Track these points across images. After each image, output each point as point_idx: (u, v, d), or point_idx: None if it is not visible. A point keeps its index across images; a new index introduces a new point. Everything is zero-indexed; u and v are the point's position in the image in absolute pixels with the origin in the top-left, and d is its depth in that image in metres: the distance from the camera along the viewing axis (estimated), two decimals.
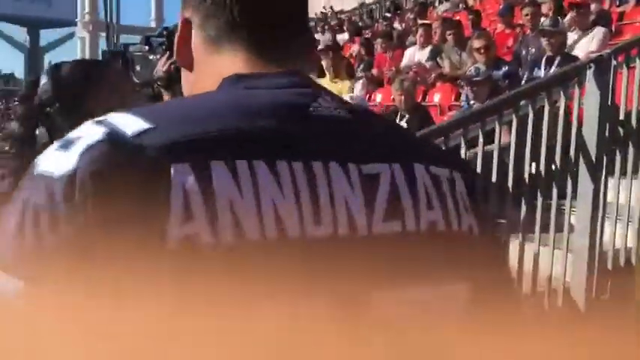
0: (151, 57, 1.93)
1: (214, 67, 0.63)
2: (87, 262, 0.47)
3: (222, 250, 0.49)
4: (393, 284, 0.56)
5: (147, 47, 1.94)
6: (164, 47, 1.89)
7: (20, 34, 58.35)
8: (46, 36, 58.67)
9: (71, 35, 51.92)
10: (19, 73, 61.81)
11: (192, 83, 0.67)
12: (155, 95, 2.07)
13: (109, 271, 0.47)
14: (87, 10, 42.00)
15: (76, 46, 45.67)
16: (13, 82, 58.07)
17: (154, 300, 0.47)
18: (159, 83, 1.92)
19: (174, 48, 0.68)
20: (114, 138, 0.51)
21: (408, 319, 0.57)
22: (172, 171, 0.49)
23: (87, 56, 41.69)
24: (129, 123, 0.53)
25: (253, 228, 0.50)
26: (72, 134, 0.53)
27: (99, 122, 0.54)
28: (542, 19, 5.02)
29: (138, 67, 1.96)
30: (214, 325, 0.48)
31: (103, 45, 43.49)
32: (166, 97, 1.94)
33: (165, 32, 1.98)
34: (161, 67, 1.90)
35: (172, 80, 1.88)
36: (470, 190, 0.64)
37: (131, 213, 0.48)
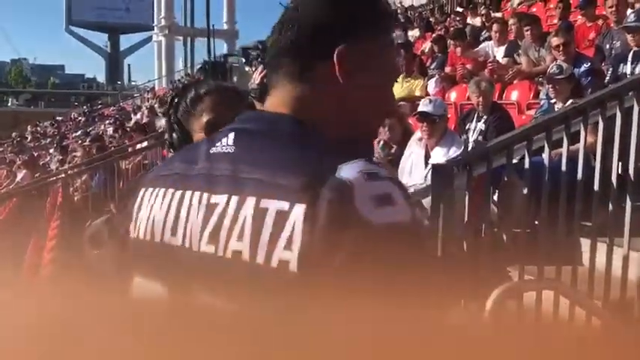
0: (247, 68, 2.03)
1: None
2: None
3: (132, 241, 0.88)
4: (200, 290, 0.75)
5: (244, 59, 2.04)
6: (259, 60, 1.98)
7: (101, 39, 61.36)
8: (125, 41, 61.43)
9: (148, 39, 54.10)
10: (101, 77, 65.07)
11: None
12: (250, 105, 2.18)
13: None
14: (163, 14, 43.61)
15: (153, 50, 47.58)
16: (96, 86, 61.17)
17: None
18: (252, 95, 2.01)
19: None
20: None
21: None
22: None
23: (163, 58, 43.22)
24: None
25: (140, 231, 0.86)
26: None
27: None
28: (629, 11, 4.79)
29: (235, 78, 2.07)
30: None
31: (179, 48, 44.97)
32: (259, 106, 2.03)
33: (260, 45, 2.07)
34: (255, 79, 1.99)
35: (264, 92, 1.96)
36: (312, 223, 0.66)
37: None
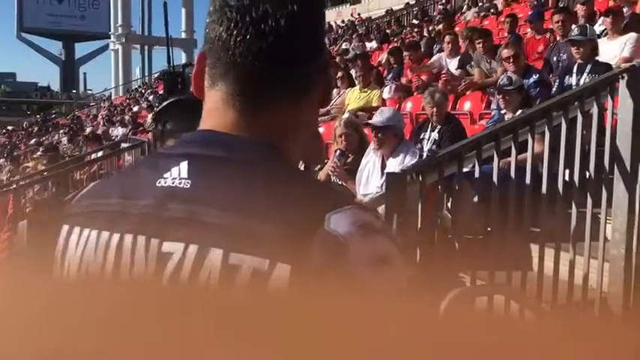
0: None
1: (207, 101, 0.72)
2: None
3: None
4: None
5: None
6: None
7: (55, 47, 59.94)
8: (81, 49, 60.14)
9: (105, 47, 53.13)
10: (55, 85, 63.45)
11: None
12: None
13: None
14: (120, 22, 42.96)
15: (109, 58, 46.72)
16: (50, 95, 59.57)
17: None
18: None
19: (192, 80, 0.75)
20: None
21: None
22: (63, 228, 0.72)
23: (120, 67, 42.51)
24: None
25: (69, 271, 0.68)
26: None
27: None
28: (573, 25, 5.00)
29: (192, 88, 2.08)
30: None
31: (136, 56, 44.31)
32: None
33: None
34: None
35: None
36: (299, 291, 0.56)
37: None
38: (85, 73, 63.58)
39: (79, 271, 0.67)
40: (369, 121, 3.97)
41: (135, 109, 17.82)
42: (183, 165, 0.64)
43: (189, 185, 0.62)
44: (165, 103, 1.52)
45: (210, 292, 0.57)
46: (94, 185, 0.76)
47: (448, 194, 3.09)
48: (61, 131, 18.54)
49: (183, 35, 43.49)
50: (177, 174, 0.63)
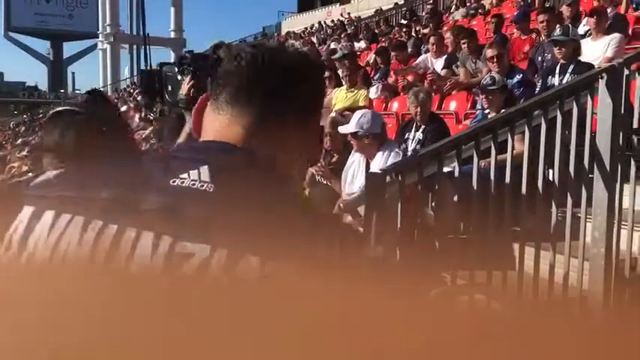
0: (179, 78, 2.01)
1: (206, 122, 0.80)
2: None
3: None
4: None
5: (176, 69, 2.02)
6: (190, 69, 1.96)
7: (43, 47, 59.52)
8: (69, 48, 59.77)
9: (93, 47, 52.79)
10: (43, 85, 62.99)
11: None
12: (180, 115, 2.15)
13: None
14: (108, 22, 42.68)
15: (97, 58, 46.47)
16: (38, 94, 59.13)
17: None
18: (180, 105, 2.00)
19: (192, 116, 0.85)
20: None
21: None
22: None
23: (108, 66, 42.27)
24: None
25: (34, 253, 0.65)
26: None
27: None
28: (557, 26, 5.03)
29: (170, 87, 2.05)
30: None
31: (124, 56, 44.05)
32: (188, 117, 2.02)
33: (188, 55, 2.05)
34: (183, 89, 1.98)
35: (192, 103, 1.96)
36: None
37: None
38: (73, 73, 63.15)
39: (53, 254, 0.64)
40: (339, 128, 3.90)
41: (123, 108, 17.70)
42: (204, 169, 0.65)
43: (212, 189, 0.63)
44: (51, 113, 1.43)
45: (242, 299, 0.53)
46: (64, 173, 0.72)
47: (429, 194, 3.09)
48: None
49: (173, 35, 43.32)
50: (197, 176, 0.64)
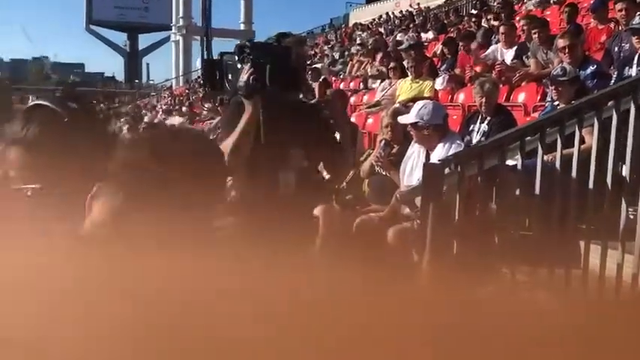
0: (239, 66, 2.04)
1: None
2: None
3: None
4: None
5: (236, 57, 2.06)
6: (250, 58, 1.99)
7: (120, 39, 62.02)
8: (144, 40, 61.98)
9: (167, 39, 54.50)
10: (120, 76, 65.67)
11: None
12: (240, 102, 2.18)
13: None
14: (181, 14, 43.94)
15: (170, 50, 47.99)
16: (114, 85, 61.73)
17: None
18: (239, 92, 2.04)
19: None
20: None
21: None
22: None
23: (181, 58, 43.60)
24: None
25: None
26: None
27: None
28: (637, 13, 4.75)
29: (230, 75, 2.08)
30: None
31: (196, 47, 45.18)
32: (247, 106, 2.05)
33: (248, 44, 2.08)
34: (243, 77, 2.01)
35: (251, 90, 1.99)
36: None
37: None
38: (148, 64, 65.33)
39: None
40: (399, 118, 3.83)
41: (193, 99, 18.22)
42: None
43: None
44: (30, 104, 1.33)
45: None
46: None
47: (492, 187, 3.01)
48: (122, 120, 19.19)
49: (242, 27, 44.07)
50: None
